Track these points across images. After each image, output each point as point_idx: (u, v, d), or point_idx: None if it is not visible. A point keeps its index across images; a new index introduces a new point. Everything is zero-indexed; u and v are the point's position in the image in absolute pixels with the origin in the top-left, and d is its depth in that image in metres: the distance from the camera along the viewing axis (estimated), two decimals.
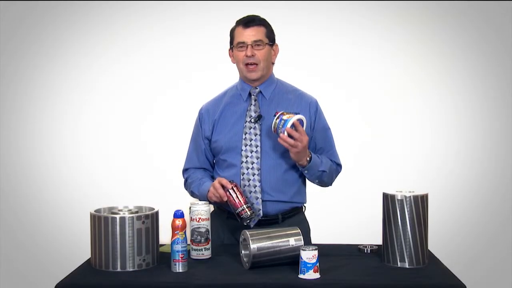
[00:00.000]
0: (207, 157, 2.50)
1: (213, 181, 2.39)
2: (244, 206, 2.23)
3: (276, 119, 2.21)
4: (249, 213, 2.23)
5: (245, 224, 2.26)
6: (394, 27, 3.55)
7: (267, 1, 3.36)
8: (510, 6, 3.48)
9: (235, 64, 2.44)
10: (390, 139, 3.56)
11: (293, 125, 2.20)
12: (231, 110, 2.44)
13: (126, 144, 3.58)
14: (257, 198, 2.34)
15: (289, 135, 2.20)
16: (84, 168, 3.57)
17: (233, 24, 2.41)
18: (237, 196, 2.24)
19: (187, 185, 2.52)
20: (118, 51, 3.57)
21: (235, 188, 2.24)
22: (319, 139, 2.44)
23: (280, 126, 2.20)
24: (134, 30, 3.56)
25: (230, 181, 2.26)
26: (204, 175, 2.47)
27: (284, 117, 2.20)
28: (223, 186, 2.26)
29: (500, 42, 3.50)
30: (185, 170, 2.55)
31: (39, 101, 3.57)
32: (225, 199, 2.25)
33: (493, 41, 3.51)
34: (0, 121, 3.56)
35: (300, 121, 2.23)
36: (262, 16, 2.41)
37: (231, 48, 2.42)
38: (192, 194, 2.46)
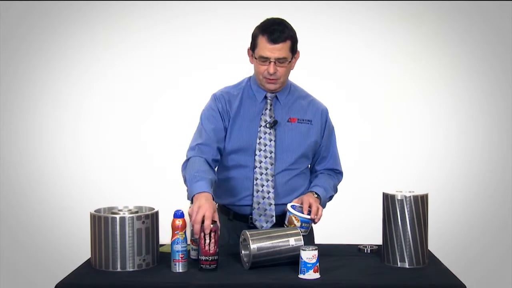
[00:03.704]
0: (221, 136, 2.32)
1: (213, 178, 2.20)
2: (211, 257, 1.97)
3: (289, 225, 2.20)
4: (210, 267, 1.97)
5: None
6: (394, 27, 3.55)
7: (268, 1, 3.35)
8: (510, 6, 3.48)
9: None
10: (390, 139, 3.56)
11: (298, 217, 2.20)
12: (246, 111, 2.37)
13: (126, 144, 3.58)
14: (270, 204, 2.32)
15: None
16: (84, 168, 3.57)
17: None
18: (209, 243, 1.96)
19: (187, 164, 2.25)
20: (118, 51, 3.57)
21: (212, 234, 1.96)
22: (325, 147, 2.45)
23: (300, 223, 2.19)
24: (134, 30, 3.56)
25: (213, 222, 1.96)
26: (207, 170, 2.19)
27: (296, 223, 2.19)
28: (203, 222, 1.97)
29: (500, 42, 3.51)
30: (191, 148, 2.29)
31: (39, 101, 3.57)
32: (196, 236, 2.01)
33: (493, 41, 3.52)
34: (0, 121, 3.56)
35: (293, 206, 2.24)
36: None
37: (253, 54, 2.29)
38: (184, 179, 2.22)
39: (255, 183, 2.33)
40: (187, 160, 2.27)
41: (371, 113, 3.59)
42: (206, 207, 1.97)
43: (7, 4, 3.51)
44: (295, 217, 2.19)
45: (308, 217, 2.19)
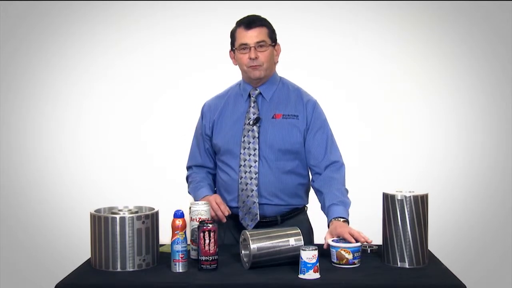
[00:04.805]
0: (209, 154, 2.49)
1: (211, 183, 2.45)
2: (211, 257, 1.98)
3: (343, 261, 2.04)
4: (210, 267, 1.98)
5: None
6: (394, 27, 3.55)
7: (267, 1, 3.36)
8: (510, 6, 3.48)
9: (236, 66, 2.42)
10: (390, 139, 3.56)
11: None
12: (231, 110, 2.43)
13: (126, 144, 3.58)
14: (254, 202, 2.33)
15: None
16: (84, 168, 3.57)
17: (233, 24, 2.41)
18: (209, 243, 1.98)
19: (188, 183, 2.54)
20: (118, 51, 3.57)
21: (212, 234, 1.98)
22: (318, 140, 2.39)
23: (352, 254, 2.02)
24: (134, 30, 3.56)
25: (212, 222, 2.01)
26: (203, 178, 2.47)
27: (348, 256, 2.02)
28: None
29: (500, 42, 3.50)
30: (188, 168, 2.56)
31: (39, 101, 3.57)
32: (224, 220, 2.30)
33: (493, 41, 3.51)
34: (0, 121, 3.56)
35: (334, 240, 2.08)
36: (262, 16, 2.41)
37: (233, 50, 2.39)
38: (189, 193, 2.50)
39: (239, 181, 2.34)
40: (187, 178, 2.55)
41: (371, 113, 3.58)
42: (213, 196, 2.34)
43: (7, 4, 3.51)
44: (345, 250, 2.01)
45: (359, 244, 2.03)
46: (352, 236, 2.06)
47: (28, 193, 3.56)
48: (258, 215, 2.33)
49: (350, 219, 2.24)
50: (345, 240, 2.06)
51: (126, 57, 3.57)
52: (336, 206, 2.25)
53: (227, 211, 2.30)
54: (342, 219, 2.19)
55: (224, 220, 2.29)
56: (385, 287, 1.89)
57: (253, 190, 2.32)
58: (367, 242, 2.07)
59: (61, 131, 3.58)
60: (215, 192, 2.45)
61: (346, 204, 2.28)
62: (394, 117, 3.58)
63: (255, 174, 2.33)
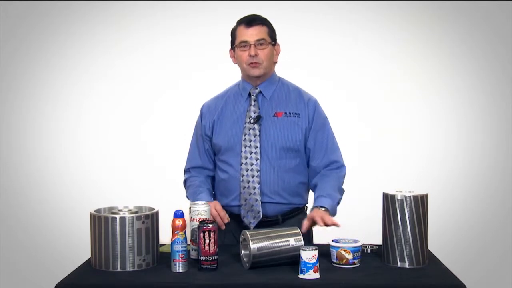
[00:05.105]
0: (208, 155, 2.48)
1: (210, 188, 2.43)
2: (211, 257, 1.98)
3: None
4: (210, 267, 1.98)
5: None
6: (394, 27, 3.55)
7: (268, 0, 3.36)
8: (510, 6, 3.48)
9: (236, 64, 2.43)
10: (390, 139, 3.56)
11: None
12: (231, 110, 2.43)
13: (126, 144, 3.58)
14: (256, 200, 2.33)
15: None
16: (84, 168, 3.57)
17: (234, 24, 2.41)
18: (209, 243, 1.98)
19: (185, 187, 2.52)
20: (118, 51, 3.57)
21: (212, 234, 1.98)
22: (319, 139, 2.41)
23: (352, 254, 2.03)
24: (134, 30, 3.56)
25: (212, 222, 2.02)
26: (202, 182, 2.45)
27: (348, 256, 2.03)
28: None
29: (500, 42, 3.50)
30: (186, 171, 2.54)
31: (39, 101, 3.57)
32: (223, 227, 2.26)
33: (493, 41, 3.51)
34: (0, 121, 3.56)
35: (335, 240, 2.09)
36: (262, 15, 2.41)
37: (233, 48, 2.40)
38: (188, 198, 2.48)
39: (241, 179, 2.34)
40: (185, 181, 2.52)
41: (371, 113, 3.59)
42: (212, 203, 2.29)
43: (7, 4, 3.51)
44: (345, 250, 2.02)
45: (359, 244, 2.04)
46: (322, 219, 2.14)
47: (28, 193, 3.56)
48: (261, 213, 2.34)
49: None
50: (345, 240, 2.07)
51: (126, 57, 3.57)
52: (323, 197, 2.29)
53: (226, 219, 2.29)
54: (323, 209, 2.23)
55: (223, 227, 2.27)
56: (385, 287, 1.89)
57: (255, 188, 2.33)
58: (335, 225, 2.13)
59: (61, 131, 3.58)
60: (214, 197, 2.45)
61: (333, 198, 2.30)
62: (394, 117, 3.58)
63: (257, 172, 2.33)
